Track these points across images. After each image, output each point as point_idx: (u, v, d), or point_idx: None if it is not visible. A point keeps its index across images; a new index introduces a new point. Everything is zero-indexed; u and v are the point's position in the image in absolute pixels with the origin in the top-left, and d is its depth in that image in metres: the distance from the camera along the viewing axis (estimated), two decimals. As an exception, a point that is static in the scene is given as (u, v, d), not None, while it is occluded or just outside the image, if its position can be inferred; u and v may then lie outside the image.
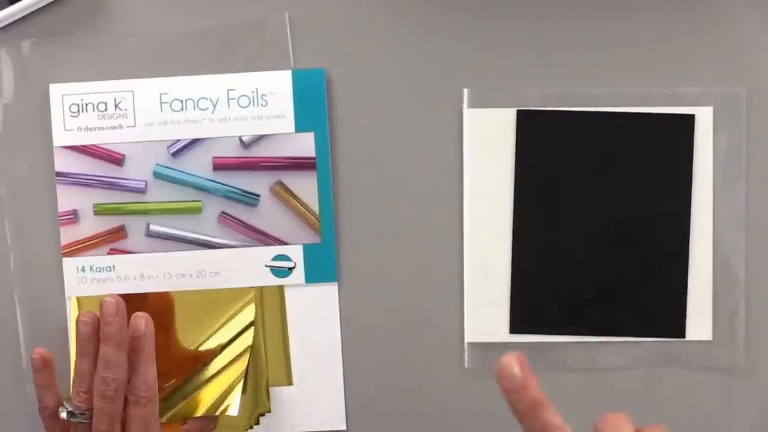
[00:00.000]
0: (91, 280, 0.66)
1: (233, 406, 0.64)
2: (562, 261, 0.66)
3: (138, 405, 0.59)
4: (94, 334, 0.60)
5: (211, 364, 0.65)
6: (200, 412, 0.64)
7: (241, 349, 0.65)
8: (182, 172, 0.66)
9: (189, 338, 0.66)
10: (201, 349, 0.65)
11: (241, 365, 0.65)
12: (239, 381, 0.64)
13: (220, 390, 0.64)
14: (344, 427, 0.67)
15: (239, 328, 0.65)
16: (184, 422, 0.64)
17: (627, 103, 0.66)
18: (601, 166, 0.66)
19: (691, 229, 0.66)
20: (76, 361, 0.61)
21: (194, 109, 0.65)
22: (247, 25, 0.66)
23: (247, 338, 0.65)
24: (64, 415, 0.60)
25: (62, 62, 0.66)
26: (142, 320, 0.61)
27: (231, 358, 0.65)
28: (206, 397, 0.64)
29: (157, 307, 0.65)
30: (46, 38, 0.66)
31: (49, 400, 0.62)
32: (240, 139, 0.65)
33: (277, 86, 0.65)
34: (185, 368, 0.65)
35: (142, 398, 0.59)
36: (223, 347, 0.65)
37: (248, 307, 0.66)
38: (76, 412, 0.59)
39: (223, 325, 0.66)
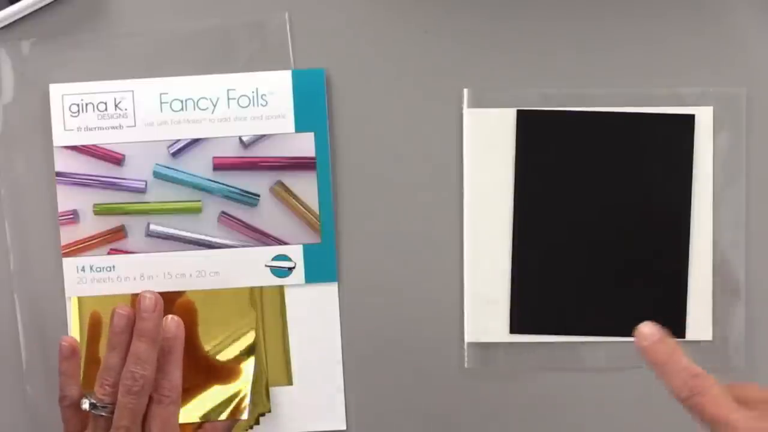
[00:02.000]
0: (91, 280, 0.66)
1: (244, 410, 0.64)
2: (562, 261, 0.66)
3: (161, 404, 0.59)
4: (128, 328, 0.61)
5: (219, 367, 0.65)
6: (211, 416, 0.64)
7: (247, 354, 0.65)
8: (182, 172, 0.66)
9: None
10: (206, 349, 0.65)
11: (249, 368, 0.65)
12: (247, 385, 0.64)
13: (229, 394, 0.64)
14: (344, 427, 0.67)
15: (243, 339, 0.66)
16: (199, 426, 0.64)
17: (627, 103, 0.66)
18: (601, 166, 0.66)
19: (691, 229, 0.66)
20: (105, 353, 0.61)
21: (194, 109, 0.65)
22: (247, 25, 0.66)
23: (251, 346, 0.65)
24: (86, 406, 0.60)
25: (62, 62, 0.66)
26: (174, 322, 0.61)
27: (238, 362, 0.65)
28: (217, 400, 0.64)
29: (181, 313, 0.65)
30: (46, 38, 0.66)
31: (71, 390, 0.62)
32: (240, 139, 0.65)
33: (277, 86, 0.65)
34: (200, 373, 0.65)
35: (166, 398, 0.59)
36: (230, 350, 0.65)
37: (249, 332, 0.66)
38: (98, 404, 0.59)
39: (227, 330, 0.66)
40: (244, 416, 0.64)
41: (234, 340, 0.66)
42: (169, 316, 0.62)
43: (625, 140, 0.66)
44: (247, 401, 0.64)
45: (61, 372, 0.62)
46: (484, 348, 0.66)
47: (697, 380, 0.48)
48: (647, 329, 0.50)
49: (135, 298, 0.63)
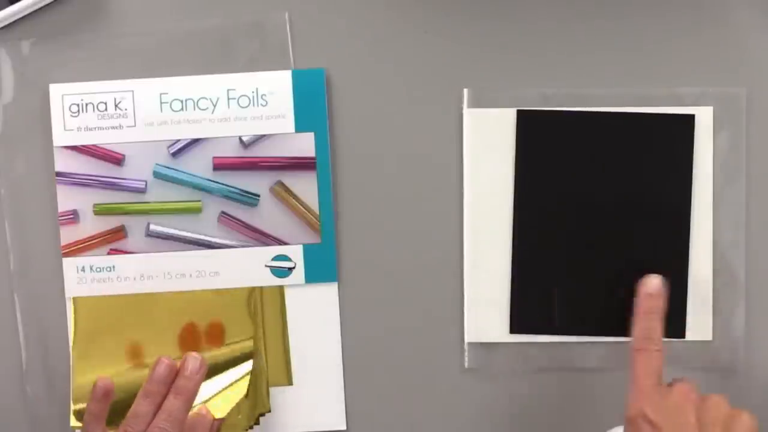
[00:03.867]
0: (91, 280, 0.66)
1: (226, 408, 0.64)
2: (562, 261, 0.66)
3: None
4: (167, 380, 0.61)
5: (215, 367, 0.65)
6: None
7: (244, 357, 0.65)
8: (182, 172, 0.66)
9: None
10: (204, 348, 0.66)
11: (245, 373, 0.65)
12: (243, 386, 0.64)
13: (224, 393, 0.64)
14: (344, 427, 0.67)
15: (240, 350, 0.66)
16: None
17: (627, 103, 0.66)
18: (601, 166, 0.66)
19: (691, 229, 0.66)
20: (137, 399, 0.60)
21: (194, 109, 0.65)
22: (247, 25, 0.66)
23: (249, 343, 0.66)
24: None
25: (62, 62, 0.66)
26: (210, 417, 0.62)
27: (234, 360, 0.65)
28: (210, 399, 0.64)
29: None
30: (46, 38, 0.66)
31: (95, 429, 0.61)
32: (240, 139, 0.65)
33: (277, 86, 0.65)
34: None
35: None
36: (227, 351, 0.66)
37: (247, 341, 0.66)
38: None
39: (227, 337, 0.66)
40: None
41: (232, 348, 0.66)
42: (214, 418, 0.62)
43: (625, 140, 0.66)
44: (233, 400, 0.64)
45: (89, 411, 0.61)
46: (484, 348, 0.66)
47: (646, 342, 0.58)
48: (651, 280, 0.61)
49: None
